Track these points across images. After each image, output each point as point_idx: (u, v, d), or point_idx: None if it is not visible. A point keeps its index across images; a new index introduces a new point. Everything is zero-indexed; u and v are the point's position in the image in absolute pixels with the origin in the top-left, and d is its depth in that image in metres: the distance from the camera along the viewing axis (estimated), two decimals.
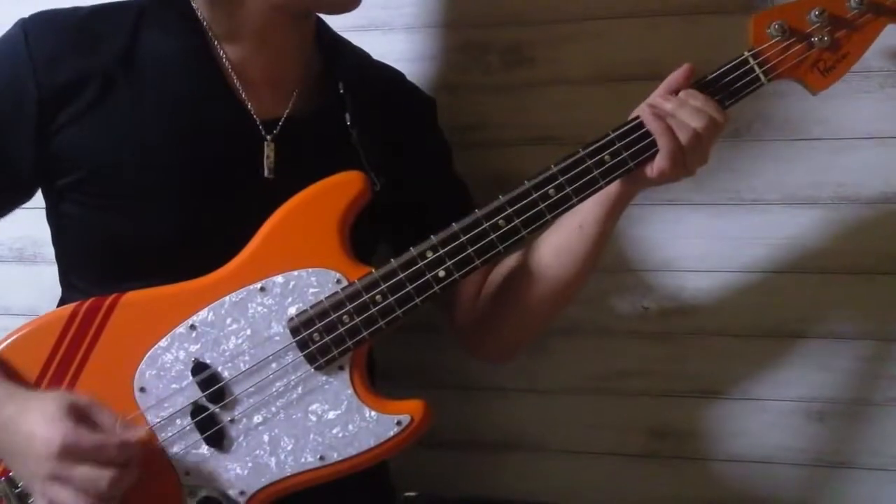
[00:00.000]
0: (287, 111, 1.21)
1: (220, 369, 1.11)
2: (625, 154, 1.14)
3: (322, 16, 1.28)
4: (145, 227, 1.14)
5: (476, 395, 1.54)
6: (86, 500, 1.00)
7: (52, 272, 1.25)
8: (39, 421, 1.02)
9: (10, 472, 1.08)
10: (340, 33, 1.35)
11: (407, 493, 1.53)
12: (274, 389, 1.12)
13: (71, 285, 1.22)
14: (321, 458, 1.12)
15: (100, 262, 1.17)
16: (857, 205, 1.38)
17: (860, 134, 1.36)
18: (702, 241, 1.43)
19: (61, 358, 1.10)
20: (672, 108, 1.13)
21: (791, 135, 1.39)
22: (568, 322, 1.49)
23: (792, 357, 1.43)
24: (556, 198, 1.13)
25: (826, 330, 1.41)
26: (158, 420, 1.11)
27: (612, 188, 1.16)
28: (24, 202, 1.22)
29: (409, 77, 1.41)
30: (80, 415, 1.03)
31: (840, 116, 1.37)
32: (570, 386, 1.51)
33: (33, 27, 1.14)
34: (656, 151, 1.13)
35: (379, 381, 1.23)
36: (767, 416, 1.44)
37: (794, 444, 1.44)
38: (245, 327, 1.12)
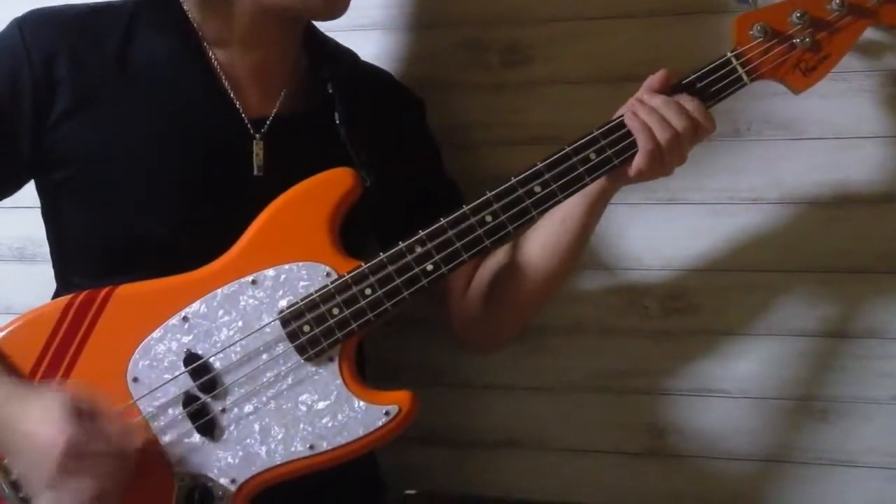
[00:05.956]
0: (275, 110, 1.23)
1: (211, 360, 1.14)
2: (609, 152, 1.15)
3: None
4: (138, 223, 1.16)
5: (477, 392, 1.54)
6: (90, 494, 1.02)
7: (52, 271, 1.27)
8: (43, 421, 1.03)
9: (2, 460, 1.10)
10: (341, 33, 1.37)
11: (407, 491, 1.54)
12: (264, 380, 1.14)
13: (66, 280, 1.24)
14: (311, 447, 1.13)
15: (93, 258, 1.20)
16: (858, 204, 1.37)
17: (860, 133, 1.35)
18: (702, 241, 1.43)
19: (56, 349, 1.13)
20: (654, 108, 1.14)
21: (791, 134, 1.38)
22: (569, 320, 1.49)
23: (793, 355, 1.42)
24: (541, 194, 1.15)
25: (827, 328, 1.40)
26: (151, 409, 1.13)
27: (594, 185, 1.17)
28: (9, 195, 1.25)
29: (409, 76, 1.43)
30: (81, 413, 1.05)
31: (840, 116, 1.36)
32: (570, 384, 1.51)
33: (29, 24, 1.17)
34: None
35: (380, 380, 1.24)
36: (769, 415, 1.43)
37: (797, 442, 1.43)
38: (237, 319, 1.14)
